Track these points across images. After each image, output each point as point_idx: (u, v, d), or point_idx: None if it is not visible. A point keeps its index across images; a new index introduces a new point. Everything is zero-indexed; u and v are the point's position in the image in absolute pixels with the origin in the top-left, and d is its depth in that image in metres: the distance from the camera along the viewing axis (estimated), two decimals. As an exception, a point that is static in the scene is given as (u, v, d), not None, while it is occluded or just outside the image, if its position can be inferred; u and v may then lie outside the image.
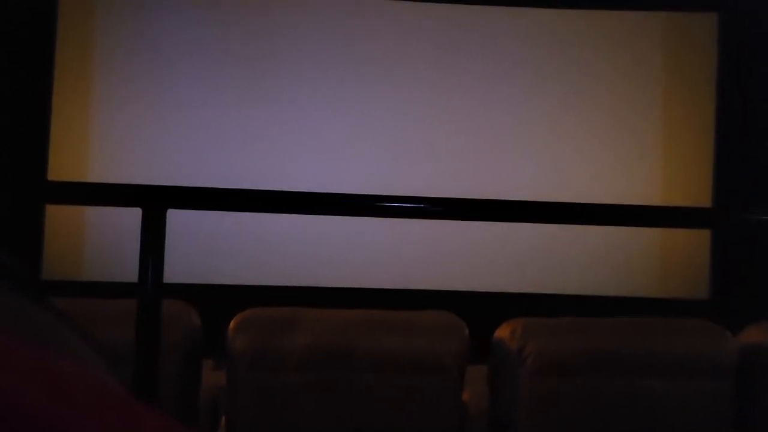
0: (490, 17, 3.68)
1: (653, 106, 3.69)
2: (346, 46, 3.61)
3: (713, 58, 3.67)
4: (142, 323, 1.27)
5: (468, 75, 3.64)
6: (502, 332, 1.56)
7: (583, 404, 1.49)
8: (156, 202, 1.32)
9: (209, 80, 3.53)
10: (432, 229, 3.45)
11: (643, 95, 3.69)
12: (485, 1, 3.66)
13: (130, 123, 3.49)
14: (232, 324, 1.49)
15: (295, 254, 3.46)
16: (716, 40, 3.67)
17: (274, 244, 3.44)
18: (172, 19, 3.52)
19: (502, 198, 1.66)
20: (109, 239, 3.33)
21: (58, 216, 3.41)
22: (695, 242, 3.66)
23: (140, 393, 1.23)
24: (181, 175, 3.42)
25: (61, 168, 3.40)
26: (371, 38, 3.62)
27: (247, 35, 3.56)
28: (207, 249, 3.41)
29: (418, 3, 3.65)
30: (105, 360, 0.38)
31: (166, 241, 1.32)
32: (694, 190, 3.66)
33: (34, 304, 0.35)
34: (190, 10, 3.53)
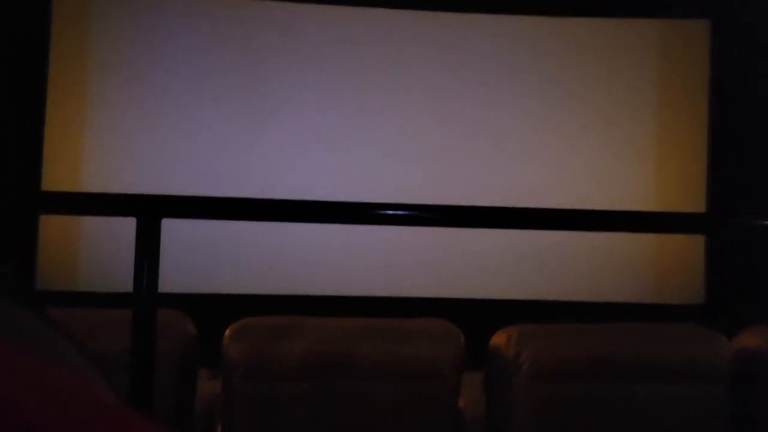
0: (486, 25, 3.69)
1: (647, 112, 3.71)
2: (344, 54, 3.62)
3: (706, 63, 3.70)
4: (137, 333, 1.26)
5: (464, 83, 3.66)
6: (498, 339, 1.56)
7: (580, 410, 1.49)
8: (150, 211, 1.32)
9: (204, 88, 3.54)
10: (427, 236, 3.45)
11: (637, 101, 3.71)
12: (482, 10, 3.67)
13: (124, 132, 3.48)
14: (227, 333, 1.48)
15: (289, 263, 3.46)
16: (709, 46, 3.69)
17: (268, 253, 3.44)
18: (167, 27, 3.52)
19: (498, 203, 1.66)
20: (103, 249, 3.32)
21: (52, 226, 3.40)
22: (690, 247, 3.67)
23: (136, 403, 1.22)
24: (176, 183, 3.42)
25: (55, 178, 3.39)
26: (369, 45, 3.63)
27: (243, 42, 3.57)
28: (202, 258, 3.41)
29: (413, 11, 3.66)
30: (100, 370, 0.38)
31: (161, 250, 1.32)
32: (689, 195, 3.67)
33: (30, 314, 0.35)
34: (184, 18, 3.54)
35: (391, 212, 1.54)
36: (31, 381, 0.24)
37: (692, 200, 3.65)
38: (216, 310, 2.08)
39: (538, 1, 3.66)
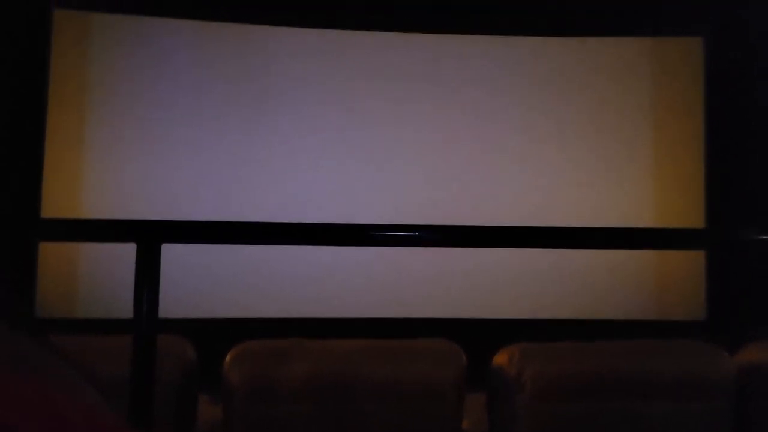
0: (484, 42, 3.72)
1: (644, 129, 3.73)
2: (345, 71, 3.64)
3: (700, 80, 3.72)
4: (137, 359, 1.26)
5: (461, 97, 3.68)
6: (500, 359, 1.55)
7: (582, 428, 1.48)
8: (150, 236, 1.32)
9: (205, 107, 3.55)
10: (427, 256, 3.45)
11: (633, 118, 3.73)
12: (476, 31, 3.70)
13: (122, 157, 3.49)
14: (227, 357, 1.48)
15: (290, 285, 3.45)
16: (702, 64, 3.72)
17: (268, 276, 3.43)
18: (166, 53, 3.55)
19: (494, 218, 1.66)
20: (103, 275, 3.32)
21: (51, 253, 3.39)
22: (690, 263, 3.67)
23: (136, 429, 1.21)
24: (177, 202, 3.43)
25: (54, 205, 3.39)
26: (370, 62, 3.66)
27: (243, 59, 3.59)
28: (201, 282, 3.40)
29: (411, 34, 3.69)
30: (101, 395, 0.38)
31: (161, 275, 1.32)
32: (687, 209, 3.67)
33: (32, 341, 0.35)
34: (184, 44, 3.56)
35: (391, 233, 1.54)
36: (37, 408, 0.24)
37: (691, 214, 3.66)
38: (216, 334, 2.07)
39: (535, 23, 3.69)
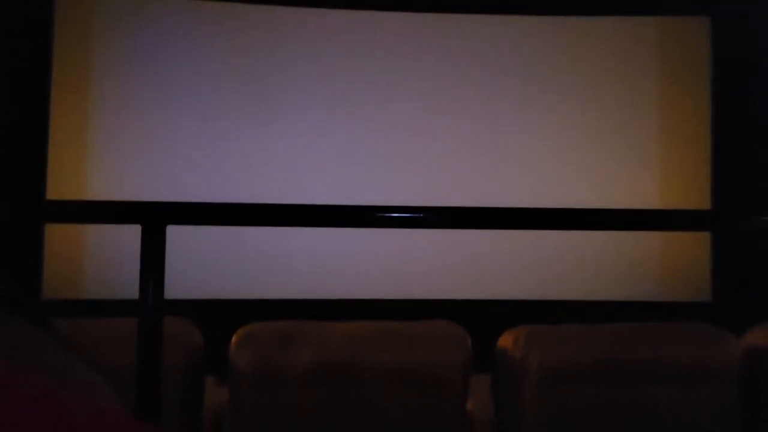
0: (484, 28, 3.69)
1: (650, 111, 3.70)
2: (347, 57, 3.62)
3: (707, 61, 3.68)
4: (143, 341, 1.26)
5: (462, 84, 3.65)
6: (505, 341, 1.55)
7: (588, 411, 1.48)
8: (155, 218, 1.32)
9: (208, 97, 3.53)
10: (432, 238, 3.44)
11: (639, 100, 3.70)
12: (479, 10, 3.67)
13: (128, 140, 3.49)
14: (233, 339, 1.48)
15: (295, 267, 3.46)
16: (710, 44, 3.68)
17: (273, 258, 3.44)
18: (171, 36, 3.53)
19: (501, 206, 1.65)
20: (109, 256, 3.33)
21: (57, 234, 3.40)
22: (696, 245, 3.66)
23: (143, 412, 1.22)
24: (180, 191, 3.42)
25: (59, 186, 3.40)
26: (370, 50, 3.63)
27: (247, 46, 3.57)
28: (207, 263, 3.40)
29: (409, 14, 3.66)
30: (107, 382, 0.38)
31: (167, 256, 1.32)
32: (693, 193, 3.66)
33: (36, 331, 0.35)
34: (188, 28, 3.54)
35: (396, 215, 1.54)
36: (40, 403, 0.24)
37: (697, 199, 3.64)
38: (222, 315, 2.08)
39: (540, 1, 3.65)
